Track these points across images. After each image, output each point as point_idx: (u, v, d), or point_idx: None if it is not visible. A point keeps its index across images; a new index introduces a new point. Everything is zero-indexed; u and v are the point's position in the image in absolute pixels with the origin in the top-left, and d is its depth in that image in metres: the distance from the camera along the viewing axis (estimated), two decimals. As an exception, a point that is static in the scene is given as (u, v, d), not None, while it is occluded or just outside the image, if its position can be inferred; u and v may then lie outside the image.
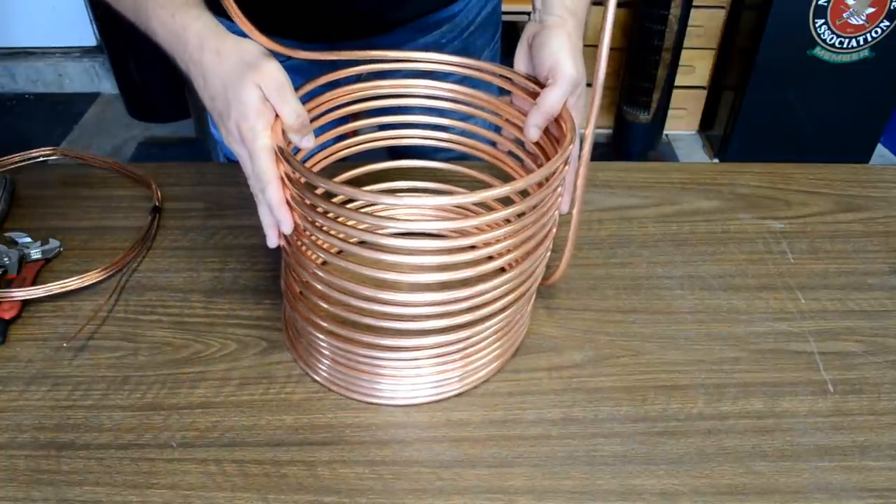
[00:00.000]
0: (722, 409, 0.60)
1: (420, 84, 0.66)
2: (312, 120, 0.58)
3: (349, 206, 0.54)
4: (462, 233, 0.61)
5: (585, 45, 0.61)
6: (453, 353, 0.59)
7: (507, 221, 0.54)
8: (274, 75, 0.52)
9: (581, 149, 0.59)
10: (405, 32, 0.80)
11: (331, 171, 0.65)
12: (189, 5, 0.55)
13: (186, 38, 0.54)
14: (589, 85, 0.56)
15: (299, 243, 0.56)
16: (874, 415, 0.60)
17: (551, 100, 0.57)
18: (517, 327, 0.63)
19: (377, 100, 0.65)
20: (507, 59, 0.75)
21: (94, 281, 0.70)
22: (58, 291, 0.68)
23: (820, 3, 1.82)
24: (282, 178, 0.53)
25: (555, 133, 0.60)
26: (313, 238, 0.54)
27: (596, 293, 0.71)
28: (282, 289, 0.63)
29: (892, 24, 1.85)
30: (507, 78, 0.64)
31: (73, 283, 0.68)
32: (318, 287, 0.56)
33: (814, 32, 1.87)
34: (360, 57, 0.64)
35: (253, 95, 0.52)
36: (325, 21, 0.76)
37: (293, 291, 0.61)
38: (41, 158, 0.88)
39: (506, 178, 0.66)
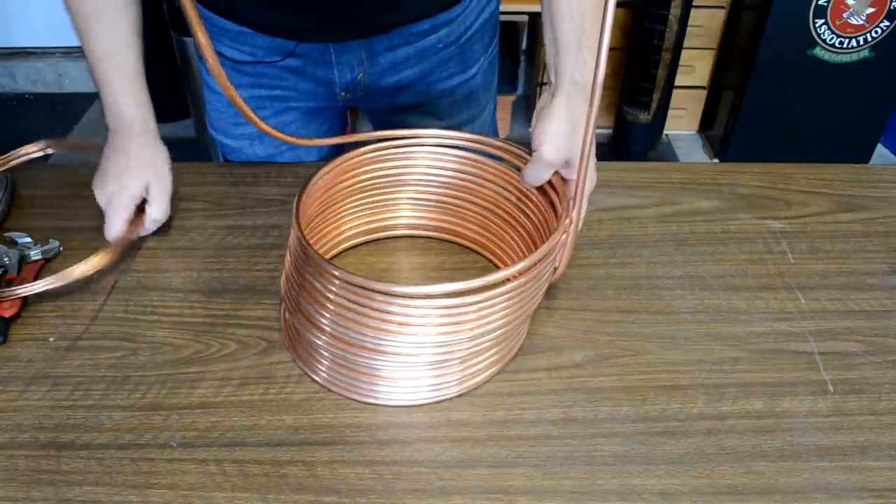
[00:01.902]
0: (722, 409, 0.60)
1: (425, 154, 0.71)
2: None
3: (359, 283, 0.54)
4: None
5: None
6: (453, 358, 0.59)
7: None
8: (165, 182, 0.74)
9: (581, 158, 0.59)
10: (401, 35, 0.80)
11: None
12: (138, 90, 0.76)
13: (128, 120, 0.75)
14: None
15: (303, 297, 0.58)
16: (874, 415, 0.60)
17: (526, 177, 0.65)
18: (517, 331, 0.63)
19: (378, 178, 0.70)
20: (505, 60, 0.75)
21: (96, 269, 0.68)
22: (59, 284, 0.66)
23: (820, 3, 1.82)
24: (296, 250, 0.57)
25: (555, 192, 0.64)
26: (317, 297, 0.56)
27: (596, 293, 0.71)
28: (281, 294, 0.63)
29: (892, 24, 1.85)
30: (514, 153, 0.67)
31: (76, 269, 0.66)
32: (323, 323, 0.58)
33: (814, 32, 1.87)
34: (368, 138, 0.67)
35: (139, 186, 0.72)
36: (320, 21, 0.76)
37: (292, 305, 0.61)
38: (35, 154, 0.85)
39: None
